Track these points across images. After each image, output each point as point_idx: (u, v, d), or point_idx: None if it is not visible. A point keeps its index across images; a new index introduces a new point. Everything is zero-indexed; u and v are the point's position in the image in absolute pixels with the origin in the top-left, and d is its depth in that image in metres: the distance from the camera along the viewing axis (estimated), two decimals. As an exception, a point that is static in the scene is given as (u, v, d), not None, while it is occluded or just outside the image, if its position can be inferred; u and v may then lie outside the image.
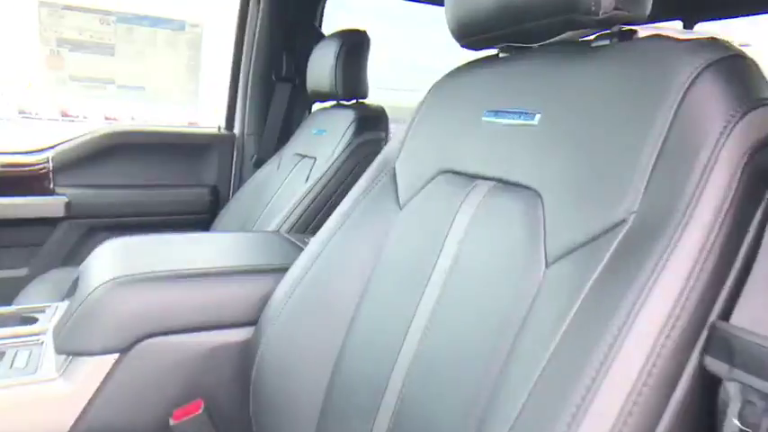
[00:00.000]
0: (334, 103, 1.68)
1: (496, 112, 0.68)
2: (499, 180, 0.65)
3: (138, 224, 1.78)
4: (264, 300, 0.87)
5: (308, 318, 0.78)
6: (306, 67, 1.90)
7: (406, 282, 0.69)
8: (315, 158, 1.52)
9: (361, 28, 1.56)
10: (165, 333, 0.82)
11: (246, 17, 1.83)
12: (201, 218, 1.87)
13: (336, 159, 1.40)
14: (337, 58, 1.49)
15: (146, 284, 0.82)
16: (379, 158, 0.86)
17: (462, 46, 0.77)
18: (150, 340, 0.81)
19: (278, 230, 1.36)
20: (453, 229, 0.66)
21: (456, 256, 0.64)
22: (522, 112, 0.64)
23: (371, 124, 1.46)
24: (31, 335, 0.90)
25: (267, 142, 1.89)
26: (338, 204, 1.42)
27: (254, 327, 0.86)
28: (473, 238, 0.63)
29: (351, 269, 0.78)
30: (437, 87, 0.83)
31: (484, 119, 0.70)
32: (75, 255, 1.70)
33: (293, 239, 1.13)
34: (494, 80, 0.73)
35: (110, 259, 0.91)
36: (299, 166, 1.58)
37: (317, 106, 1.95)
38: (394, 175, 0.81)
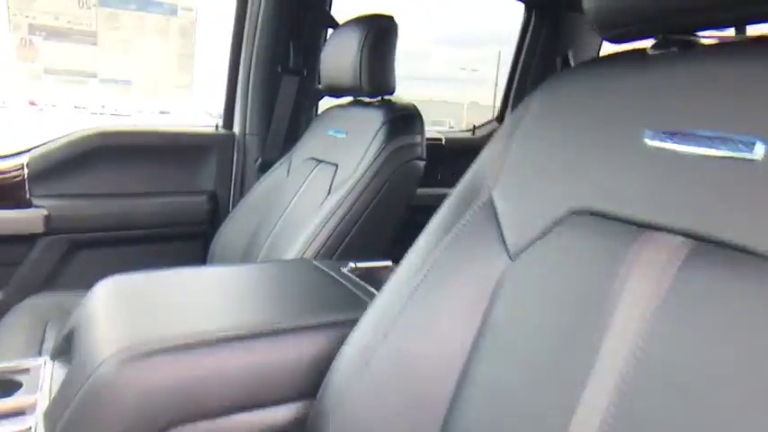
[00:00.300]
0: (351, 99, 1.48)
1: (671, 135, 0.49)
2: (697, 237, 0.46)
3: (128, 238, 1.56)
4: (320, 365, 0.68)
5: (391, 396, 0.59)
6: (315, 57, 1.69)
7: (540, 371, 0.50)
8: (336, 165, 1.33)
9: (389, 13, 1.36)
10: (197, 418, 0.63)
11: (247, 0, 1.61)
12: (200, 229, 1.66)
13: (367, 169, 1.21)
14: (362, 49, 1.29)
15: (169, 356, 0.62)
16: (465, 183, 0.67)
17: (605, 39, 0.59)
18: (178, 429, 0.62)
19: (303, 255, 1.16)
20: (623, 301, 0.47)
21: (638, 345, 0.44)
22: (724, 138, 0.46)
23: (405, 126, 1.27)
24: (15, 413, 0.69)
25: (273, 143, 1.68)
26: (370, 224, 1.24)
27: (310, 402, 0.67)
28: (673, 326, 0.43)
29: (443, 334, 0.59)
30: (550, 91, 0.64)
31: (648, 142, 0.51)
32: (56, 275, 1.48)
33: (331, 272, 0.94)
34: (658, 86, 0.53)
35: (113, 313, 0.71)
36: (316, 174, 1.38)
37: (325, 101, 1.74)
38: (493, 208, 0.62)
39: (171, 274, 0.89)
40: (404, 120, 1.27)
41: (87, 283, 1.47)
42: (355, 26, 1.34)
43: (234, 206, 1.69)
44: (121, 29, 1.49)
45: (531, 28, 2.13)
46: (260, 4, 1.59)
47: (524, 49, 2.16)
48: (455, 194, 0.68)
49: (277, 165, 1.57)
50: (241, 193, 1.70)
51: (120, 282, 0.83)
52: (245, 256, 1.45)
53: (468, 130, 2.28)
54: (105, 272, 1.52)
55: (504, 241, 0.59)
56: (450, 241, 0.63)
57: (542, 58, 2.15)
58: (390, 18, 1.35)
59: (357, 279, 0.92)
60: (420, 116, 1.31)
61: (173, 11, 1.54)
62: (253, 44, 1.63)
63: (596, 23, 0.57)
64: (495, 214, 0.62)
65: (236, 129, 1.71)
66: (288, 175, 1.51)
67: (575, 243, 0.53)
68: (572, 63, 2.15)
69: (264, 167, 1.63)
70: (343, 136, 1.38)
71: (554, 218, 0.56)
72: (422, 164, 1.27)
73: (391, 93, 1.37)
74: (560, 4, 2.07)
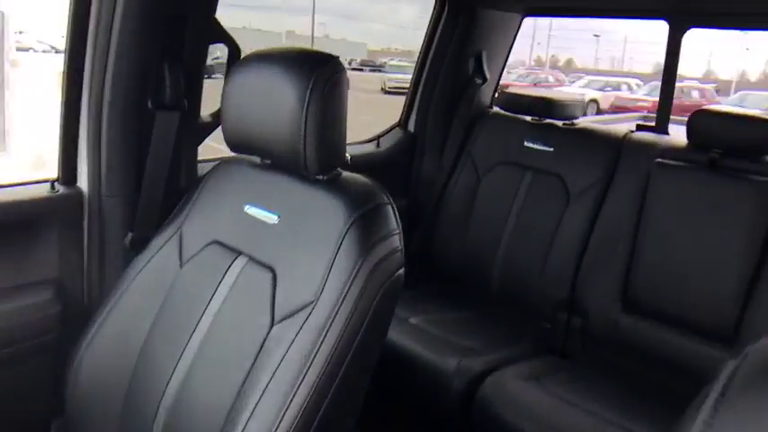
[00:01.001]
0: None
1: None
2: None
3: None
4: None
5: None
6: (198, 83, 1.21)
7: None
8: (272, 271, 0.93)
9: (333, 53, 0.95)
10: None
11: (89, 4, 1.05)
12: (46, 340, 1.13)
13: (339, 302, 0.83)
14: (307, 111, 0.88)
15: None
16: None
17: None
18: None
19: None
20: None
21: None
22: None
23: (380, 224, 0.90)
24: None
25: (148, 209, 1.18)
26: (349, 380, 0.84)
27: None
28: None
29: None
30: None
31: None
32: None
33: None
34: None
35: None
36: (241, 280, 0.96)
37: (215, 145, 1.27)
38: None
39: None
40: (376, 215, 0.91)
41: None
42: (289, 70, 0.91)
43: (91, 302, 1.18)
44: None
45: (442, 23, 1.81)
46: (115, 10, 1.04)
47: (433, 47, 1.85)
48: None
49: (158, 243, 1.08)
50: (101, 281, 1.19)
51: None
52: (137, 398, 1.00)
53: (371, 140, 1.94)
54: None
55: None
56: None
57: (454, 57, 1.86)
58: (337, 60, 0.94)
59: None
60: (389, 201, 0.96)
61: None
62: (104, 64, 1.09)
63: None
64: None
65: (85, 186, 1.17)
66: (182, 265, 1.06)
67: None
68: (485, 65, 1.91)
69: (138, 245, 1.14)
70: (275, 221, 0.97)
71: None
72: (402, 272, 0.94)
73: (342, 164, 0.99)
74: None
